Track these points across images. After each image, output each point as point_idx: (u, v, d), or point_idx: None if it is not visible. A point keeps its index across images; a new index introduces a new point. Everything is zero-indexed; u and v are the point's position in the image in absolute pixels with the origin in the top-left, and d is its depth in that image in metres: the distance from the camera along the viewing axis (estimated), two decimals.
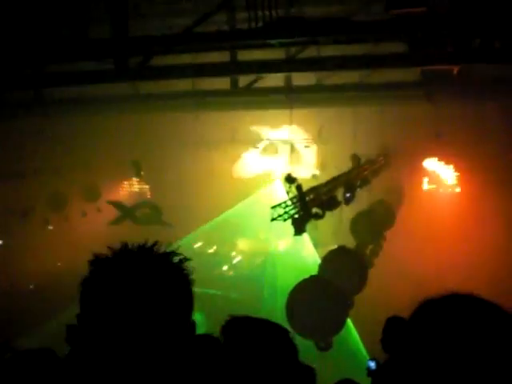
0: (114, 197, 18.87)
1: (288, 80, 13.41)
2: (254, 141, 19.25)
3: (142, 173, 18.86)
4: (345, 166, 15.04)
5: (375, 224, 15.61)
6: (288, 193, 11.54)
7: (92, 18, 9.08)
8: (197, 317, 1.69)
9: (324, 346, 12.31)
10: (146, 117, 16.01)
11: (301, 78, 13.60)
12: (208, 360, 3.22)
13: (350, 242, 14.85)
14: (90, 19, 8.98)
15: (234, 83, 12.77)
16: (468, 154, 15.69)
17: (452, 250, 15.84)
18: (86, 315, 1.57)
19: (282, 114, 15.36)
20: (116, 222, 18.55)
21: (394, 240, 16.11)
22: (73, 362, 1.57)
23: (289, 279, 13.69)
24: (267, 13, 9.25)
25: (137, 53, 9.64)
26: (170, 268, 1.64)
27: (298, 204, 11.24)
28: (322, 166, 17.72)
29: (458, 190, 16.81)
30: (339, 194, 13.59)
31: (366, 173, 15.47)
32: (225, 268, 20.35)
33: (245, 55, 10.76)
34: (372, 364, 6.07)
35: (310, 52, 11.08)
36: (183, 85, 13.38)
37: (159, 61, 10.08)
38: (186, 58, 10.57)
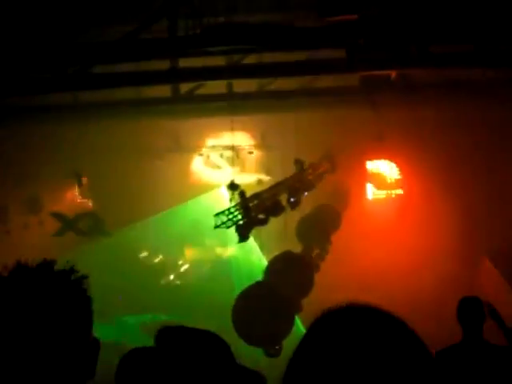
0: (57, 208, 18.48)
1: (230, 87, 13.44)
2: (197, 148, 19.17)
3: (83, 184, 18.55)
4: (289, 171, 15.11)
5: (320, 228, 15.74)
6: (231, 200, 11.56)
7: (31, 27, 8.92)
8: None
9: (273, 352, 12.31)
10: (87, 126, 15.77)
11: (243, 85, 13.63)
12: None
13: (295, 247, 14.93)
14: (28, 28, 8.82)
15: (175, 90, 12.73)
16: (409, 156, 16.00)
17: (396, 251, 16.09)
18: None
19: (225, 120, 15.36)
20: (58, 234, 18.18)
21: (340, 243, 16.26)
22: None
23: (237, 286, 13.69)
24: (207, 20, 9.27)
25: (76, 61, 9.50)
26: (67, 286, 1.62)
27: (241, 211, 11.26)
28: (267, 171, 17.77)
29: (400, 191, 17.10)
30: (283, 199, 13.67)
31: (309, 177, 15.60)
32: (172, 277, 20.18)
33: (186, 62, 10.74)
34: None
35: (252, 58, 11.14)
36: (124, 93, 13.24)
37: (99, 69, 9.97)
38: (127, 66, 10.48)
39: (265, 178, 17.33)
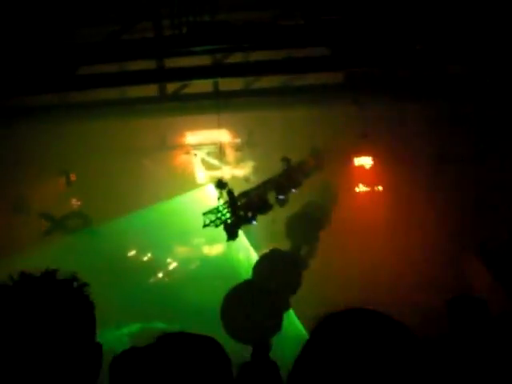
0: (44, 208, 18.42)
1: (216, 85, 13.45)
2: (184, 146, 19.18)
3: (71, 183, 18.50)
4: (276, 168, 15.16)
5: (308, 225, 15.80)
6: (219, 198, 11.58)
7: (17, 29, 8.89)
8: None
9: (262, 351, 12.35)
10: (74, 126, 15.74)
11: (229, 83, 13.65)
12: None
13: (283, 245, 14.98)
14: (14, 30, 8.79)
15: (162, 90, 12.73)
16: (393, 153, 16.08)
17: (383, 248, 16.18)
18: None
19: (212, 118, 15.37)
20: (46, 233, 18.15)
21: (327, 240, 16.33)
22: None
23: (225, 284, 13.71)
24: (191, 19, 9.28)
25: (62, 63, 9.48)
26: (69, 294, 1.68)
27: (229, 209, 11.29)
28: (254, 169, 17.81)
29: (385, 188, 17.20)
30: (271, 196, 13.72)
31: (297, 175, 15.65)
32: (160, 275, 20.19)
33: (172, 61, 10.75)
34: None
35: (237, 57, 11.16)
36: (111, 93, 13.23)
37: (85, 70, 9.96)
38: (113, 67, 10.48)
39: (252, 175, 17.37)
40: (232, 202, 11.45)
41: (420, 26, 8.65)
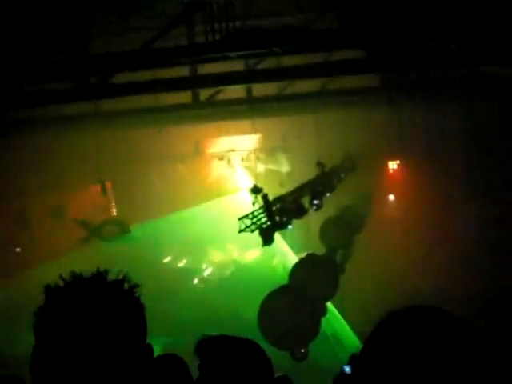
0: (80, 216, 18.64)
1: (249, 90, 13.45)
2: (218, 152, 19.26)
3: (106, 191, 18.68)
4: (310, 173, 15.11)
5: (344, 230, 15.70)
6: (254, 203, 11.57)
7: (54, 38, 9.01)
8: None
9: (300, 355, 12.29)
10: (109, 134, 15.91)
11: (262, 88, 13.65)
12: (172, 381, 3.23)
13: (319, 250, 14.90)
14: (51, 40, 8.91)
15: (195, 96, 12.77)
16: (430, 155, 15.90)
17: (417, 248, 16.02)
18: (40, 346, 1.62)
19: (245, 124, 15.42)
20: (83, 241, 18.36)
21: (365, 244, 16.24)
22: None
23: (260, 290, 13.68)
24: (224, 25, 9.28)
25: (97, 71, 9.58)
26: (120, 295, 1.68)
27: (264, 214, 11.27)
28: (288, 174, 17.79)
29: (419, 192, 17.02)
30: (306, 201, 13.65)
31: (331, 179, 15.58)
32: (196, 281, 20.26)
33: (205, 68, 10.78)
34: (348, 369, 6.03)
35: (270, 62, 11.15)
36: (145, 100, 13.33)
37: (119, 78, 10.05)
38: (147, 74, 10.55)
39: (287, 180, 17.34)
40: (267, 206, 11.42)
41: (455, 25, 8.53)
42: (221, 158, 19.44)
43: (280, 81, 12.60)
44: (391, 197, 17.85)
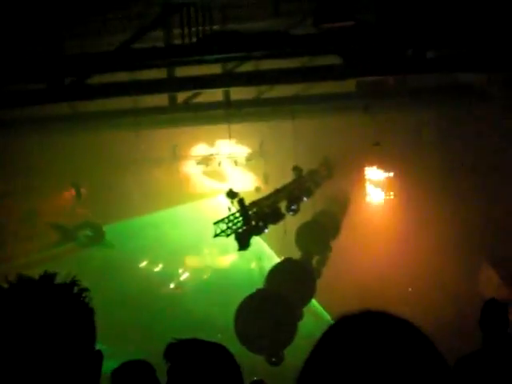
0: (54, 219, 18.45)
1: (227, 94, 13.42)
2: (195, 156, 19.20)
3: (81, 194, 18.52)
4: (287, 178, 15.11)
5: (320, 234, 15.71)
6: (230, 208, 11.53)
7: (26, 37, 8.90)
8: None
9: (275, 360, 12.25)
10: (84, 136, 15.77)
11: (240, 92, 13.63)
12: None
13: (295, 254, 14.90)
14: (23, 39, 8.80)
15: (172, 99, 12.71)
16: (406, 161, 16.00)
17: (390, 254, 16.11)
18: None
19: (223, 128, 15.38)
20: (57, 245, 18.16)
21: (341, 248, 16.28)
22: None
23: (237, 294, 13.65)
24: (202, 29, 9.27)
25: (71, 72, 9.48)
26: (68, 299, 1.61)
27: (240, 218, 11.23)
28: (265, 179, 17.78)
29: (396, 196, 17.12)
30: (283, 206, 13.65)
31: (308, 184, 15.60)
32: (172, 286, 20.15)
33: (183, 71, 10.73)
34: None
35: (248, 66, 11.13)
36: (122, 103, 13.24)
37: (96, 79, 9.95)
38: (124, 76, 10.47)
39: (263, 185, 17.33)
40: (243, 211, 11.39)
41: (431, 33, 8.59)
42: (198, 163, 19.38)
43: (258, 85, 12.58)
44: (367, 202, 17.92)
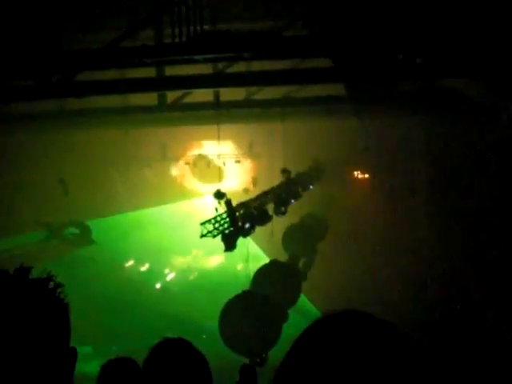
0: (42, 216, 18.34)
1: (217, 95, 13.38)
2: (184, 157, 19.16)
3: (68, 191, 18.41)
4: (276, 180, 15.11)
5: (307, 237, 15.72)
6: (217, 208, 11.51)
7: (14, 34, 8.83)
8: None
9: (259, 361, 12.23)
10: (73, 134, 15.69)
11: (230, 93, 13.60)
12: None
13: (282, 256, 14.90)
14: (11, 35, 8.73)
15: (162, 99, 12.66)
16: (395, 166, 16.01)
17: (377, 257, 16.13)
18: None
19: (212, 129, 15.35)
20: (43, 242, 18.07)
21: (329, 249, 16.30)
22: None
23: (223, 295, 13.64)
24: (192, 28, 9.23)
25: (59, 68, 9.41)
26: (42, 294, 1.57)
27: (227, 219, 11.21)
28: (254, 180, 17.77)
29: (383, 201, 17.13)
30: (270, 208, 13.64)
31: (296, 186, 15.59)
32: (158, 286, 20.10)
33: (173, 70, 10.69)
34: None
35: (240, 66, 11.11)
36: (110, 101, 13.17)
37: (84, 76, 9.89)
38: (113, 74, 10.41)
39: (251, 186, 17.32)
40: (230, 212, 11.37)
41: (421, 39, 8.60)
42: (187, 163, 19.35)
43: (248, 86, 12.57)
44: (355, 205, 17.93)
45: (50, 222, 18.43)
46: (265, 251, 16.27)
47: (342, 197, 17.43)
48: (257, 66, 10.78)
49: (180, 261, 20.19)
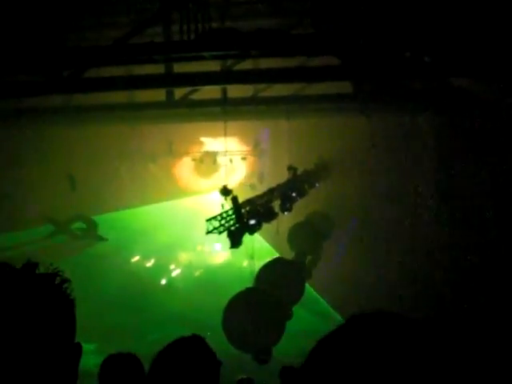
0: (49, 211, 18.42)
1: (224, 92, 13.41)
2: (190, 153, 19.21)
3: (75, 186, 18.49)
4: (282, 177, 15.14)
5: (313, 235, 15.73)
6: (223, 205, 11.54)
7: (25, 29, 8.89)
8: None
9: (264, 358, 12.25)
10: (81, 129, 15.76)
11: (238, 90, 13.63)
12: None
13: (288, 253, 14.93)
14: (22, 31, 8.79)
15: (170, 95, 12.71)
16: (402, 164, 15.99)
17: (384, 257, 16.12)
18: None
19: (219, 126, 15.40)
20: (50, 237, 18.14)
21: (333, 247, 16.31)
22: None
23: (228, 292, 13.69)
24: (200, 25, 9.27)
25: (69, 64, 9.48)
26: (48, 289, 1.59)
27: (233, 216, 11.24)
28: (260, 177, 17.80)
29: (391, 199, 17.10)
30: (276, 205, 13.67)
31: (302, 184, 15.61)
32: (163, 282, 20.14)
33: (181, 67, 10.73)
34: None
35: (248, 64, 11.15)
36: (119, 97, 13.23)
37: (93, 73, 9.95)
38: (121, 70, 10.47)
39: (258, 183, 17.35)
40: (236, 209, 11.40)
41: (429, 37, 8.61)
42: (193, 159, 19.40)
43: (255, 83, 12.60)
44: (362, 203, 17.92)
45: (56, 217, 18.50)
46: (274, 248, 16.27)
47: (348, 194, 17.44)
48: (264, 63, 10.81)
49: (186, 257, 20.23)
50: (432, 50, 9.38)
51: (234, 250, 12.00)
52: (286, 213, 14.11)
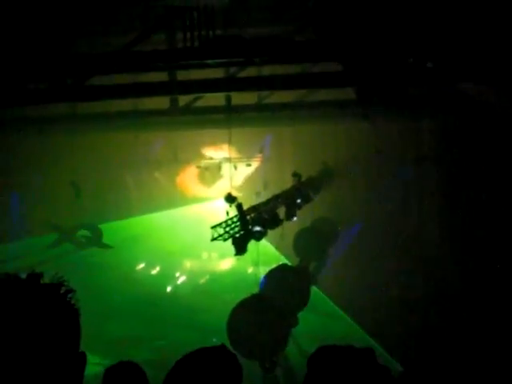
0: (53, 219, 18.45)
1: (228, 99, 13.43)
2: (195, 160, 19.24)
3: (80, 194, 18.53)
4: (287, 183, 15.14)
5: (318, 240, 15.71)
6: (228, 212, 11.55)
7: (28, 37, 8.92)
8: None
9: (269, 366, 12.21)
10: (85, 137, 15.80)
11: (242, 97, 13.65)
12: None
13: (292, 260, 14.92)
14: (25, 38, 8.82)
15: (174, 102, 12.74)
16: (405, 169, 15.97)
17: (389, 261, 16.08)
18: None
19: (224, 133, 15.41)
20: (54, 244, 18.15)
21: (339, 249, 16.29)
22: None
23: (233, 299, 13.67)
24: (204, 33, 9.30)
25: (73, 72, 9.50)
26: (53, 299, 1.61)
27: (238, 223, 11.24)
28: (264, 184, 17.81)
29: (396, 204, 17.07)
30: (281, 211, 13.66)
31: (307, 190, 15.61)
32: (169, 289, 20.13)
33: (185, 74, 10.76)
34: None
35: (251, 71, 11.17)
36: (123, 105, 13.27)
37: (97, 80, 9.98)
38: (126, 78, 10.50)
39: (263, 190, 17.35)
40: (241, 216, 11.40)
41: (431, 43, 8.62)
42: (198, 166, 19.43)
43: (259, 90, 12.62)
44: (367, 208, 17.90)
45: (61, 225, 18.53)
46: (282, 254, 16.24)
47: (352, 200, 17.43)
48: (268, 70, 10.83)
49: (191, 264, 20.23)
50: (435, 56, 9.38)
51: (238, 256, 11.99)
52: (290, 219, 14.10)
